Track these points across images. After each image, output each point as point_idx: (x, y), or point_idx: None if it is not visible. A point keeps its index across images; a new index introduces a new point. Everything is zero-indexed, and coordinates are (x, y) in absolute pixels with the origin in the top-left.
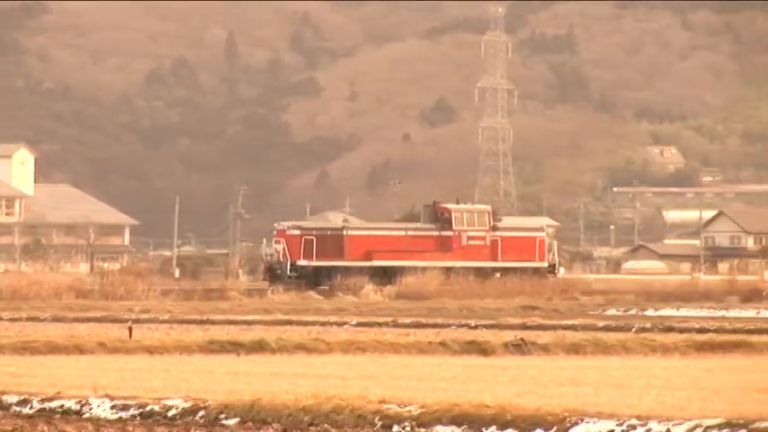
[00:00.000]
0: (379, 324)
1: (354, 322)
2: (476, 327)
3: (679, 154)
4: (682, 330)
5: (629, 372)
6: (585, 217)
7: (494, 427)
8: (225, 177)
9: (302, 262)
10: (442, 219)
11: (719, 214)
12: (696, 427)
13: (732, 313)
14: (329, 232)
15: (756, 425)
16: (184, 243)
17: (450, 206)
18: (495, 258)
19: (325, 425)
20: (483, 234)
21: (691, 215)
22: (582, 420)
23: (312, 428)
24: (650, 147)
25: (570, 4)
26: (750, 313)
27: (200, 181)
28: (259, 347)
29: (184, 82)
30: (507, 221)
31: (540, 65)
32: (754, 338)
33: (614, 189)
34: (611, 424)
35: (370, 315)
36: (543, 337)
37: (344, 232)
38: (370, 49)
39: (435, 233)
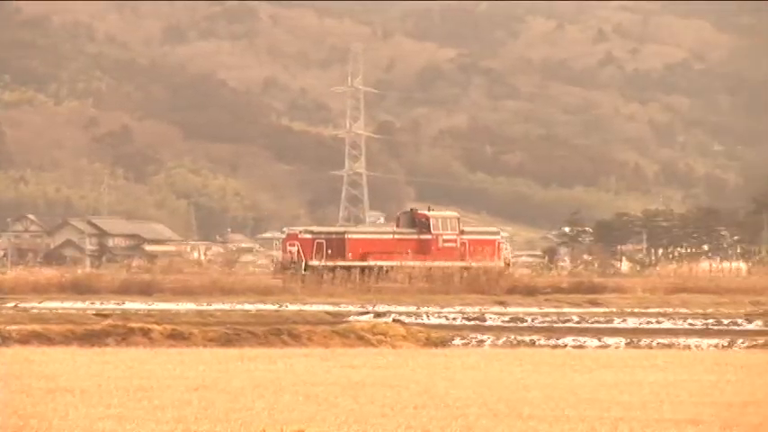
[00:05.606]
0: None
1: None
2: None
3: None
4: None
5: None
6: None
7: None
8: None
9: (314, 262)
10: (420, 224)
11: None
12: None
13: None
14: (334, 236)
15: None
16: None
17: (428, 213)
18: (464, 259)
19: None
20: (455, 237)
21: None
22: None
23: None
24: None
25: None
26: None
27: None
28: None
29: None
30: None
31: None
32: None
33: None
34: None
35: None
36: None
37: (346, 236)
38: None
39: (416, 237)
